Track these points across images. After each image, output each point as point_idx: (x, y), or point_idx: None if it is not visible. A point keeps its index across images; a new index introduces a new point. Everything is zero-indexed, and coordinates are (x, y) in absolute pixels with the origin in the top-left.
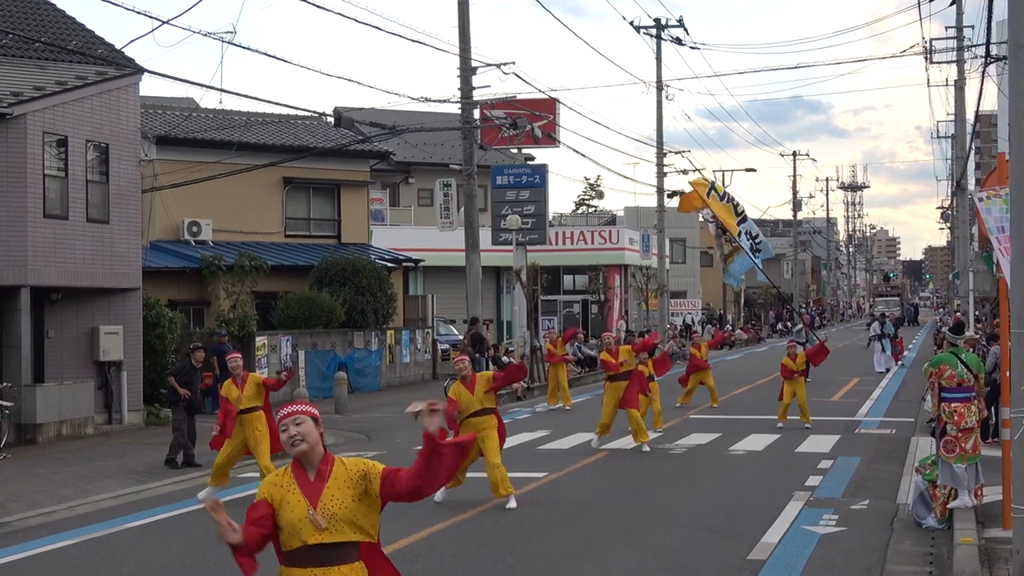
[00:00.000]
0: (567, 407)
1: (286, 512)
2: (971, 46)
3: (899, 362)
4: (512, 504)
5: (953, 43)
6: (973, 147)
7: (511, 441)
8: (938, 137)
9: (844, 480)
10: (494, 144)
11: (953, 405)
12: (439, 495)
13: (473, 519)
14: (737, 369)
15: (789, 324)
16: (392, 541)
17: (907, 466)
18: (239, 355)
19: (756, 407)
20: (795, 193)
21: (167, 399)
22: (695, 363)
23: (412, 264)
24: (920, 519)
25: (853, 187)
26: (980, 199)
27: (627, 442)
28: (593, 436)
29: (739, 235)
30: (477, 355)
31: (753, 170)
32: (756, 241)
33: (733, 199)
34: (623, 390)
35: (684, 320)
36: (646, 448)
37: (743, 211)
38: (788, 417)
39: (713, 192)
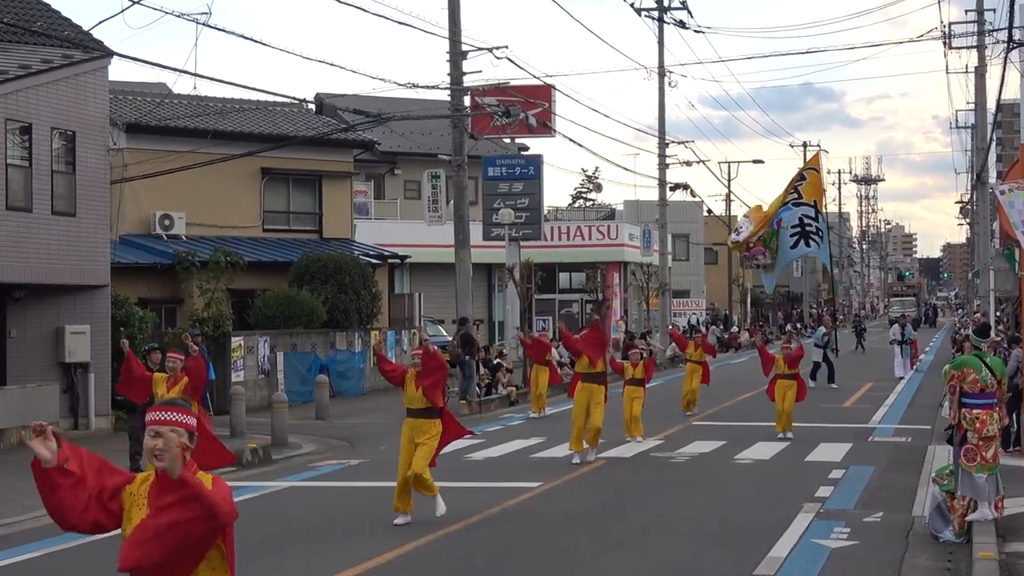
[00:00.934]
0: (534, 412)
1: (126, 524)
2: (992, 30)
3: (914, 366)
4: (441, 509)
5: (973, 27)
6: (994, 138)
7: (502, 448)
8: (957, 127)
9: (856, 491)
10: (486, 133)
11: (975, 412)
12: (400, 519)
13: (463, 531)
14: (742, 373)
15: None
16: (377, 555)
17: (923, 476)
18: (181, 355)
19: (762, 413)
20: None
21: (125, 403)
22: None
23: (398, 260)
24: (937, 532)
25: (867, 180)
26: (1002, 192)
27: (626, 450)
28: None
29: (775, 223)
30: (467, 357)
31: (761, 162)
32: (804, 229)
33: (797, 186)
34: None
35: (690, 321)
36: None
37: (795, 200)
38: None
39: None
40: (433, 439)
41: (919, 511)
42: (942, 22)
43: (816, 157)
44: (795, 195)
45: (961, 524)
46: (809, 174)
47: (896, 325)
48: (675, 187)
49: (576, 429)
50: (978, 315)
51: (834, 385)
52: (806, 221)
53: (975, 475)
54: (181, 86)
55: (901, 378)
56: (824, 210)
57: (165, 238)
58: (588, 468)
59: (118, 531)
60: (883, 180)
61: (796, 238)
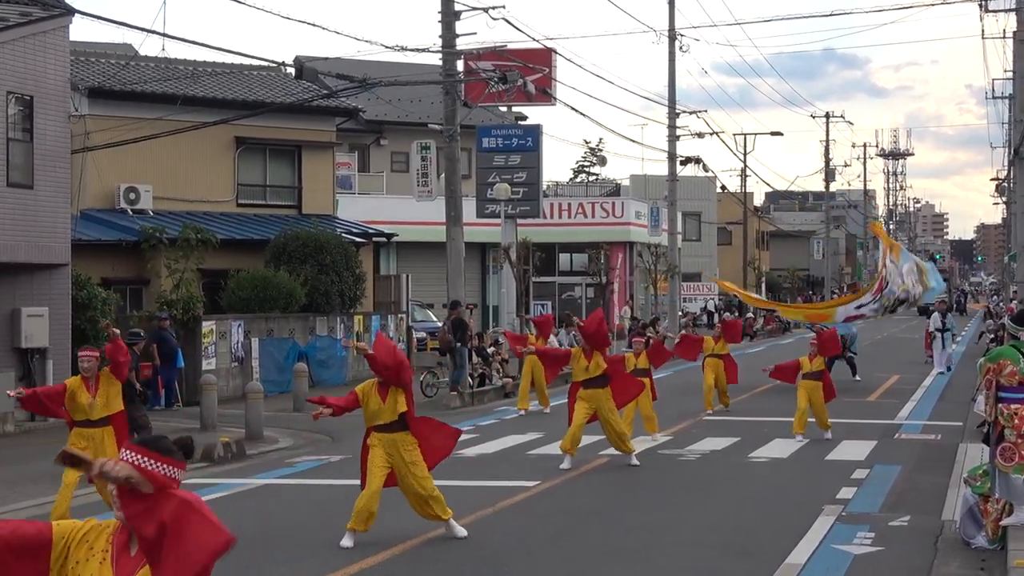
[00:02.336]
0: (520, 409)
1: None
2: None
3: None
4: (460, 532)
5: None
6: None
7: (497, 444)
8: (993, 97)
9: (882, 492)
10: (480, 101)
11: (1014, 407)
12: (347, 541)
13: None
14: (759, 364)
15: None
16: (362, 558)
17: (954, 477)
18: (96, 353)
19: (780, 408)
20: (827, 161)
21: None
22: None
23: (384, 239)
24: (969, 538)
25: (894, 154)
26: None
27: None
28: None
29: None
30: (458, 344)
31: (779, 134)
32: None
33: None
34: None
35: (706, 306)
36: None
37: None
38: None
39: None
40: (416, 458)
41: (949, 515)
42: None
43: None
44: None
45: (995, 529)
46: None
47: (936, 313)
48: (686, 161)
49: (574, 428)
50: (1013, 304)
51: (857, 378)
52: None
53: (1012, 476)
54: (148, 47)
55: (941, 373)
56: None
57: (130, 213)
58: (589, 467)
59: None
60: (912, 154)
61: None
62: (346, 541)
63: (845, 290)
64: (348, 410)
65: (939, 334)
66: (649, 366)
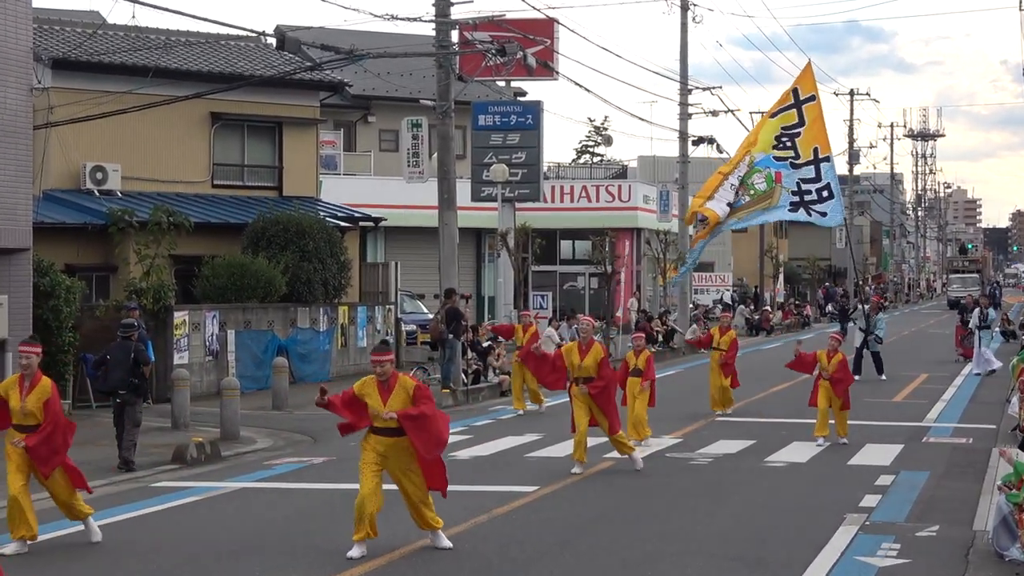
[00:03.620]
0: (518, 409)
1: None
2: None
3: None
4: (445, 543)
5: None
6: None
7: (492, 446)
8: None
9: (908, 500)
10: (476, 75)
11: None
12: (355, 551)
13: None
14: (775, 361)
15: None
16: (345, 569)
17: (987, 484)
18: (37, 348)
19: (799, 408)
20: (851, 142)
21: (139, 390)
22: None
23: (371, 224)
24: (1002, 550)
25: (924, 135)
26: None
27: (639, 449)
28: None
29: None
30: (451, 336)
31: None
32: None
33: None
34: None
35: (721, 298)
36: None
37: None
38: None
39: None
40: (414, 465)
41: (981, 525)
42: None
43: (808, 74)
44: (788, 144)
45: None
46: (808, 111)
47: (977, 308)
48: (698, 141)
49: (579, 435)
50: None
51: (882, 377)
52: (804, 187)
53: None
54: (117, 15)
55: (977, 375)
56: (830, 152)
57: (97, 194)
58: (592, 471)
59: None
60: (943, 136)
61: (796, 205)
62: (353, 552)
63: (869, 281)
64: (351, 413)
65: (977, 331)
66: (646, 367)
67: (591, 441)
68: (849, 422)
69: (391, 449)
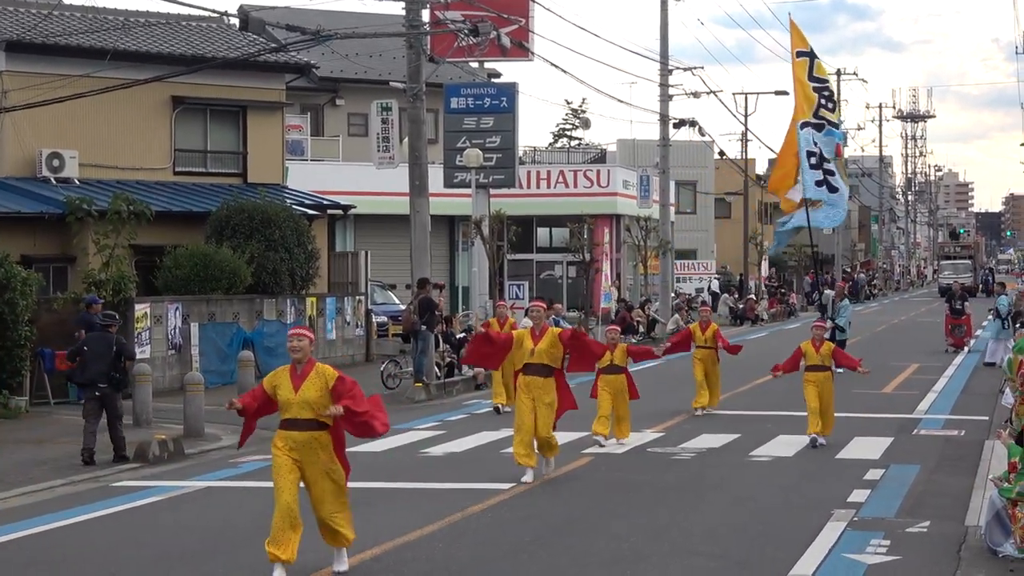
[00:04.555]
0: (503, 406)
1: None
2: None
3: (965, 347)
4: (343, 566)
5: None
6: None
7: (466, 442)
8: None
9: (898, 495)
10: (448, 56)
11: None
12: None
13: (421, 542)
14: (760, 352)
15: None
16: (315, 570)
17: (979, 478)
18: None
19: (784, 401)
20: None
21: (120, 384)
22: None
23: (340, 211)
24: (995, 546)
25: (914, 117)
26: None
27: (618, 445)
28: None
29: (801, 126)
30: (424, 328)
31: (785, 93)
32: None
33: (831, 97)
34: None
35: (710, 286)
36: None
37: (823, 123)
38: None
39: (808, 60)
40: (334, 466)
41: (974, 520)
42: None
43: (796, 31)
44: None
45: None
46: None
47: (1003, 297)
48: (680, 124)
49: (521, 435)
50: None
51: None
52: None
53: None
54: None
55: (991, 364)
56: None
57: (54, 182)
58: (571, 467)
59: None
60: (933, 117)
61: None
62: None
63: (858, 268)
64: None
65: (997, 320)
66: (627, 362)
67: (568, 436)
68: (838, 414)
69: (306, 448)
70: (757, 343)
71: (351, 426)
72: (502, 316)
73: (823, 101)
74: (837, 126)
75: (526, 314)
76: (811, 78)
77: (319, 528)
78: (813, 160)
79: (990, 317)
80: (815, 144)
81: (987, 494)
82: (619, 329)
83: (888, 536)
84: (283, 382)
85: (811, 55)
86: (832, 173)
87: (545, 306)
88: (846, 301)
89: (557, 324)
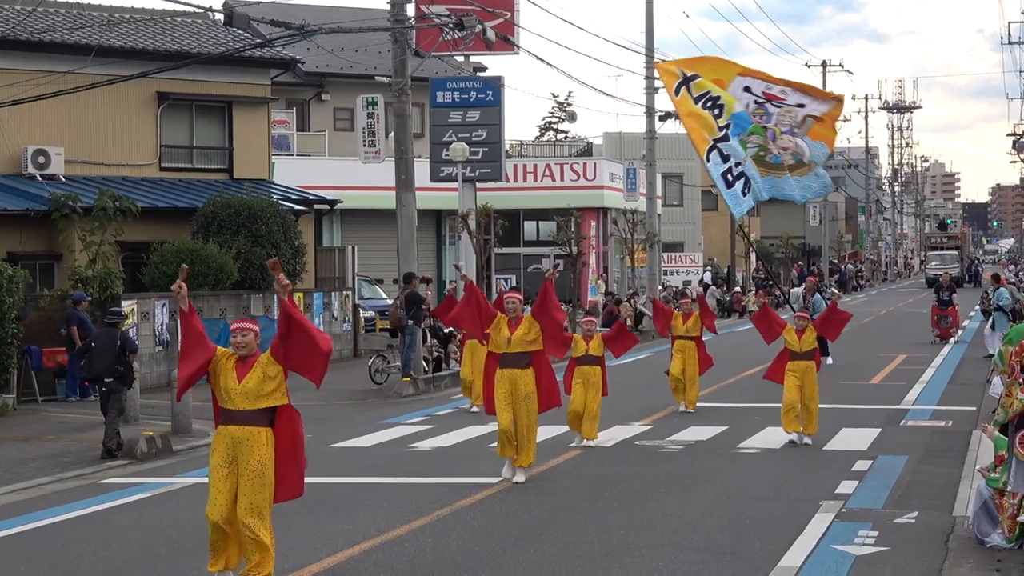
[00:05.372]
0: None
1: None
2: None
3: (952, 337)
4: None
5: None
6: None
7: (455, 436)
8: (1009, 43)
9: (886, 486)
10: (434, 50)
11: None
12: None
13: (407, 537)
14: (747, 344)
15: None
16: (307, 564)
17: (967, 468)
18: None
19: (772, 393)
20: None
21: (125, 378)
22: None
23: (326, 206)
24: (983, 536)
25: (900, 107)
26: None
27: (606, 437)
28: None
29: (708, 153)
30: (411, 322)
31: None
32: (734, 172)
33: (717, 101)
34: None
35: (704, 279)
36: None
37: (726, 125)
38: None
39: (685, 90)
40: (266, 469)
41: (962, 510)
42: None
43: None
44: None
45: (1012, 526)
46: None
47: (1004, 289)
48: (666, 116)
49: (506, 431)
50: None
51: (829, 360)
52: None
53: None
54: None
55: (989, 356)
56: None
57: (39, 179)
58: (558, 460)
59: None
60: (919, 107)
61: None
62: None
63: (846, 259)
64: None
65: (1000, 313)
66: (603, 353)
67: (552, 430)
68: (825, 405)
69: (243, 445)
70: (744, 334)
71: (291, 337)
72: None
73: (715, 111)
74: (731, 123)
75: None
76: (696, 101)
77: (231, 536)
78: (729, 178)
79: (977, 308)
80: (724, 161)
81: (974, 485)
82: (595, 321)
83: (876, 527)
84: (228, 370)
85: (684, 81)
86: (750, 161)
87: (521, 298)
88: (817, 296)
89: None
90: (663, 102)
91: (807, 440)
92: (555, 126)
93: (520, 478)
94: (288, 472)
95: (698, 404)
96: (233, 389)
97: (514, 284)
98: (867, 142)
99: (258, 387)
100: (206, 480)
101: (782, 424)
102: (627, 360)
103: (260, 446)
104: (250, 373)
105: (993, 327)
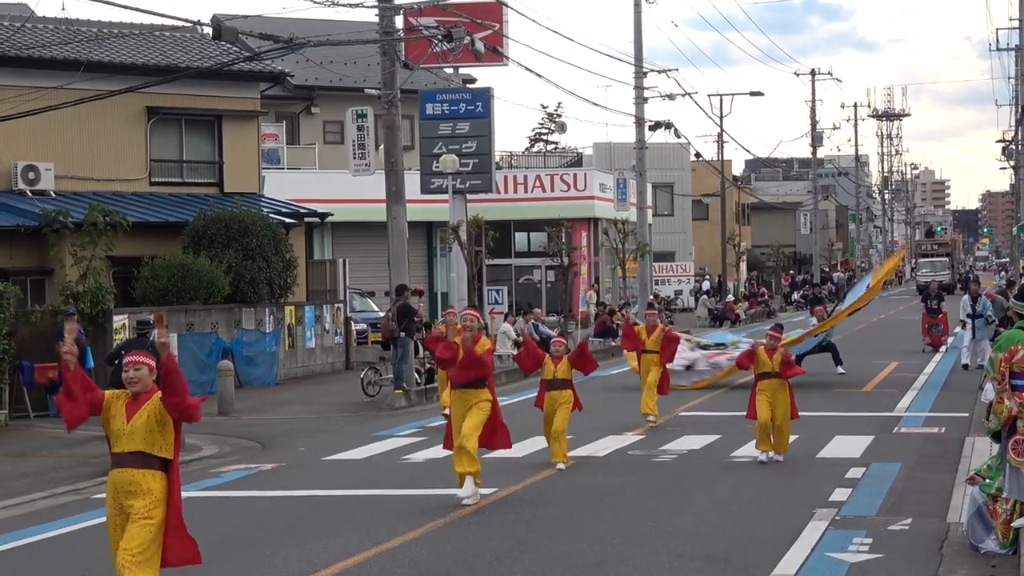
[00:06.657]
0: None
1: None
2: None
3: (943, 345)
4: None
5: None
6: None
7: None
8: (997, 49)
9: (880, 493)
10: (423, 62)
11: None
12: None
13: (401, 548)
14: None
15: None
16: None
17: (960, 475)
18: None
19: None
20: (814, 124)
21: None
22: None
23: (317, 219)
24: (977, 542)
25: (889, 115)
26: None
27: (598, 448)
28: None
29: None
30: (403, 334)
31: (760, 94)
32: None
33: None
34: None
35: (700, 287)
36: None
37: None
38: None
39: None
40: (155, 510)
41: (956, 517)
42: None
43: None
44: None
45: (1006, 532)
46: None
47: (966, 296)
48: (655, 126)
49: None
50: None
51: (841, 370)
52: None
53: None
54: (46, 7)
55: (966, 366)
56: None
57: (30, 194)
58: (552, 471)
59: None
60: (908, 115)
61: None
62: None
63: (838, 267)
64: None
65: (970, 320)
66: (571, 376)
67: (542, 443)
68: (818, 413)
69: (127, 494)
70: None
71: (168, 387)
72: (451, 325)
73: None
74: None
75: (504, 318)
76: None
77: None
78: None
79: (963, 317)
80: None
81: (968, 491)
82: (564, 342)
83: (870, 534)
84: (118, 411)
85: None
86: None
87: (478, 314)
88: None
89: (537, 329)
90: (653, 112)
91: (778, 458)
92: (545, 137)
93: (469, 498)
94: (176, 539)
95: (689, 414)
96: (122, 430)
97: (505, 295)
98: (856, 150)
99: (147, 425)
100: (199, 494)
101: (755, 441)
102: (619, 370)
103: (144, 494)
104: (140, 411)
105: (974, 335)
